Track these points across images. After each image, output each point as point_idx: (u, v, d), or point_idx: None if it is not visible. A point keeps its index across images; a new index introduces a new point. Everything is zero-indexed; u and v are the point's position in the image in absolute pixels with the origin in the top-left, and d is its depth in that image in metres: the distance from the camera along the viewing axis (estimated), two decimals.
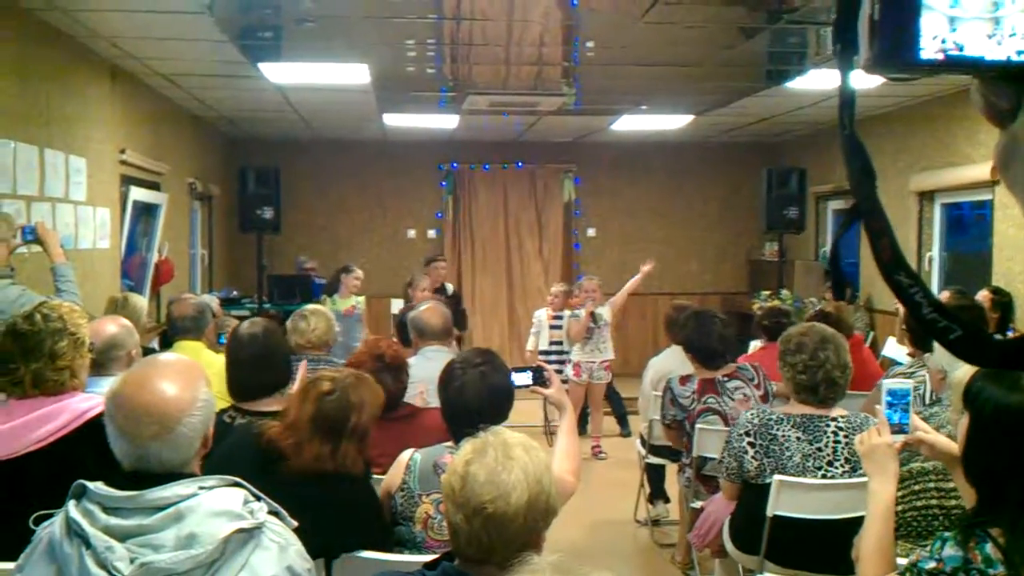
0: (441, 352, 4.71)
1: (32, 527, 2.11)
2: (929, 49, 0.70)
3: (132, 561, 1.88)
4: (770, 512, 3.68)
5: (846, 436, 3.65)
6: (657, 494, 6.59)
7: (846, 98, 0.74)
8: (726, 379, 4.84)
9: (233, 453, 2.92)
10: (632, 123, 10.51)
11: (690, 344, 5.02)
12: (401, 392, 3.84)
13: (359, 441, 2.95)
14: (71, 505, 1.98)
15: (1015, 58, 0.70)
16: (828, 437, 3.67)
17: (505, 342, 12.37)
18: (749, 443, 3.72)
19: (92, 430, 2.88)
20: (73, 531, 1.94)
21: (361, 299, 9.05)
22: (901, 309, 5.72)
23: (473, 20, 6.20)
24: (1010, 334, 6.65)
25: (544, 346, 9.02)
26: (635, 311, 12.06)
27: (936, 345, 3.95)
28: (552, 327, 9.02)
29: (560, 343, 8.92)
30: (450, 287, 9.73)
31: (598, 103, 9.49)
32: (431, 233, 12.62)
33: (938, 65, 0.71)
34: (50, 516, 2.04)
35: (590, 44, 6.93)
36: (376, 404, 3.04)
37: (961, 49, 0.70)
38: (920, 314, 0.73)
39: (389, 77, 7.92)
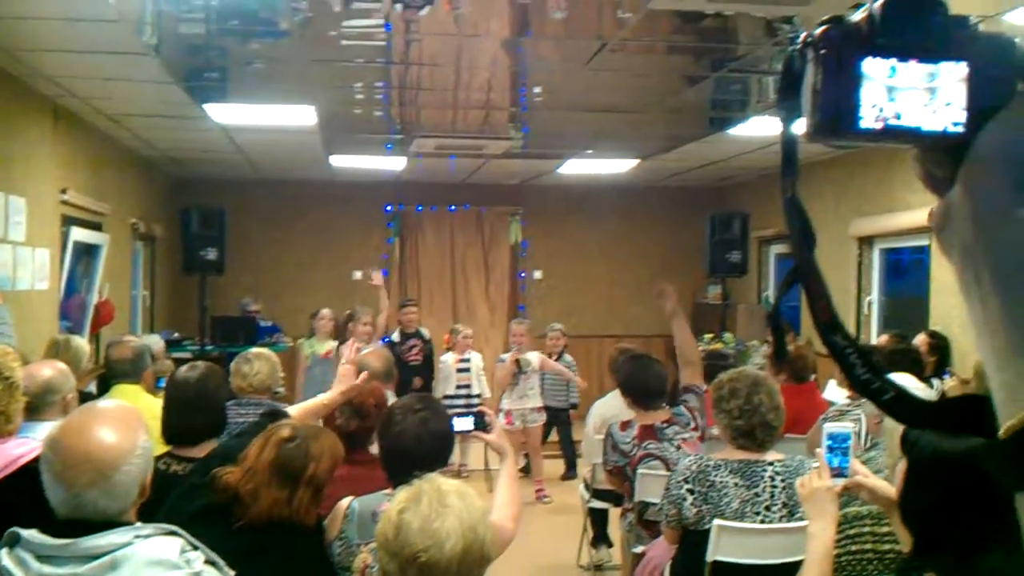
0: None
1: None
2: (869, 118, 0.72)
3: None
4: (710, 557, 3.71)
5: (783, 480, 3.69)
6: (600, 538, 6.58)
7: (789, 163, 0.76)
8: (665, 425, 4.87)
9: (181, 502, 2.88)
10: (579, 167, 10.62)
11: (627, 385, 5.04)
12: (367, 436, 3.83)
13: (315, 492, 2.93)
14: (3, 553, 1.95)
15: (951, 128, 0.73)
16: (765, 482, 3.70)
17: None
18: (688, 490, 3.74)
19: (26, 476, 2.83)
20: None
21: (335, 343, 8.94)
22: None
23: (422, 65, 6.25)
24: (947, 378, 6.78)
25: (450, 391, 8.92)
26: (581, 354, 12.08)
27: None
28: (459, 371, 8.98)
29: (468, 386, 8.88)
30: (426, 331, 9.62)
31: (545, 147, 9.58)
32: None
33: (877, 134, 0.73)
34: None
35: (537, 89, 7.02)
36: (335, 457, 3.02)
37: (899, 118, 0.73)
38: (854, 375, 0.76)
39: (336, 119, 7.94)
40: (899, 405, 0.76)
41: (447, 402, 8.44)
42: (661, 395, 4.95)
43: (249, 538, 2.57)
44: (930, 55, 0.73)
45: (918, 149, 0.78)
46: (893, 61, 0.73)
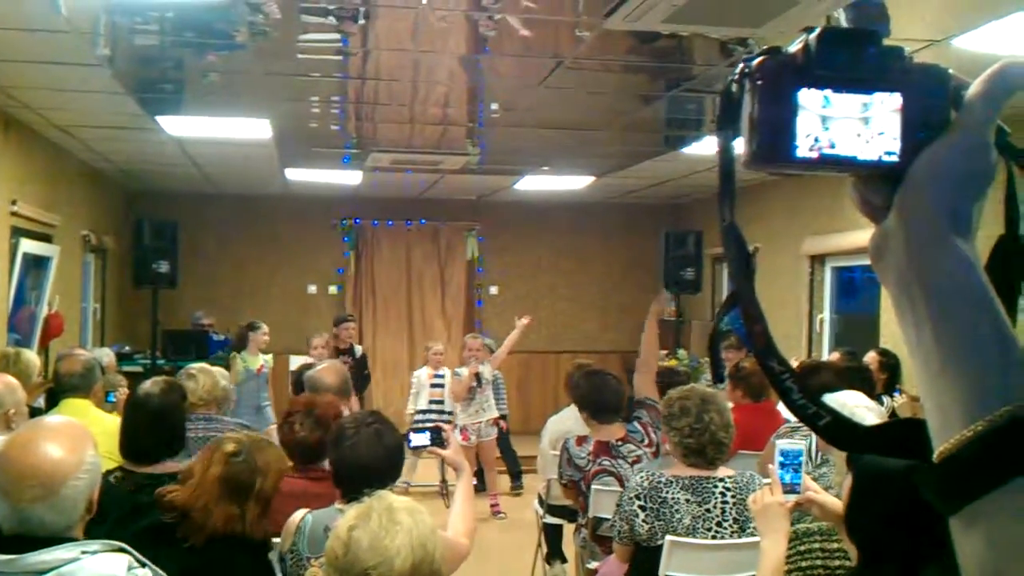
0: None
1: None
2: (804, 147, 0.73)
3: None
4: (662, 573, 3.72)
5: (734, 496, 3.72)
6: (555, 554, 6.59)
7: (726, 190, 0.77)
8: (620, 443, 4.89)
9: (125, 520, 2.85)
10: (535, 183, 10.66)
11: (583, 400, 5.06)
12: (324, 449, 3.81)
13: (264, 506, 2.91)
14: None
15: (885, 158, 0.74)
16: (716, 498, 3.73)
17: (405, 399, 12.26)
18: (640, 506, 3.76)
19: None
20: None
21: (269, 357, 8.90)
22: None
23: (379, 80, 6.25)
24: (897, 395, 6.86)
25: (423, 405, 8.98)
26: (537, 370, 12.15)
27: None
28: (433, 386, 9.00)
29: (441, 402, 8.92)
30: (359, 349, 9.65)
31: (502, 163, 9.61)
32: (332, 289, 12.53)
33: (813, 163, 0.74)
34: None
35: (494, 106, 7.04)
36: (280, 471, 3.00)
37: (834, 147, 0.74)
38: (790, 399, 0.77)
39: (292, 133, 7.91)
40: (836, 430, 0.77)
41: (420, 417, 8.45)
42: (617, 411, 4.98)
43: (200, 556, 2.55)
44: (864, 86, 0.74)
45: (855, 178, 0.79)
46: (828, 91, 0.74)
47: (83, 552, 1.95)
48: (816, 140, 0.73)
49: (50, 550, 1.92)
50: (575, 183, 10.65)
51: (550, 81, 5.92)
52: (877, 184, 0.77)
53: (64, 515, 1.99)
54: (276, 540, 3.10)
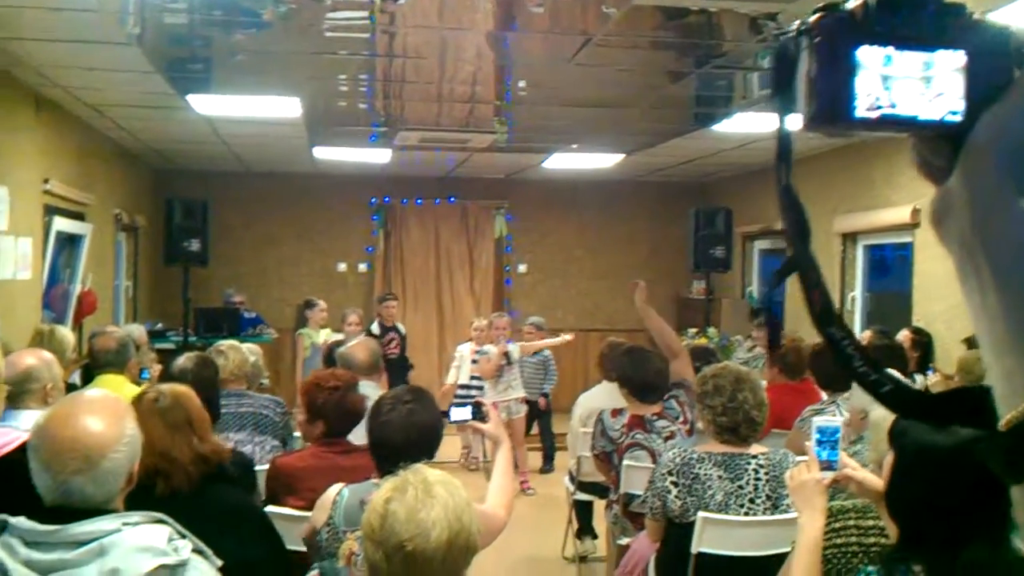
0: (367, 387, 4.70)
1: None
2: (864, 108, 0.72)
3: None
4: (694, 549, 3.72)
5: (767, 474, 3.71)
6: (585, 530, 6.60)
7: (783, 152, 0.75)
8: (655, 418, 4.89)
9: None
10: (564, 161, 10.62)
11: (627, 379, 5.05)
12: (342, 423, 3.84)
13: (205, 428, 3.04)
14: None
15: (948, 118, 0.72)
16: (749, 475, 3.72)
17: (435, 378, 12.31)
18: (672, 482, 3.76)
19: (6, 466, 2.82)
20: None
21: (328, 331, 9.02)
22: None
23: (406, 58, 6.24)
24: (930, 374, 6.82)
25: (464, 380, 9.03)
26: (564, 348, 12.11)
27: (855, 385, 4.03)
28: (474, 361, 9.04)
29: (480, 378, 8.95)
30: (402, 328, 9.69)
31: (530, 141, 9.59)
32: (361, 267, 12.57)
33: (873, 124, 0.72)
34: None
35: (522, 83, 7.02)
36: (191, 395, 3.07)
37: (895, 108, 0.72)
38: (851, 367, 0.75)
39: (320, 111, 7.92)
40: (897, 397, 0.75)
41: (461, 392, 8.48)
42: (659, 390, 4.97)
43: (182, 503, 2.60)
44: (925, 43, 0.73)
45: (915, 138, 0.77)
46: (889, 50, 0.72)
47: (124, 524, 1.97)
48: (876, 100, 0.72)
49: (91, 521, 1.94)
50: (604, 161, 10.60)
51: (579, 58, 5.88)
52: (938, 145, 0.75)
53: (105, 487, 2.01)
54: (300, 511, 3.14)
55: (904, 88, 0.72)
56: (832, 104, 0.72)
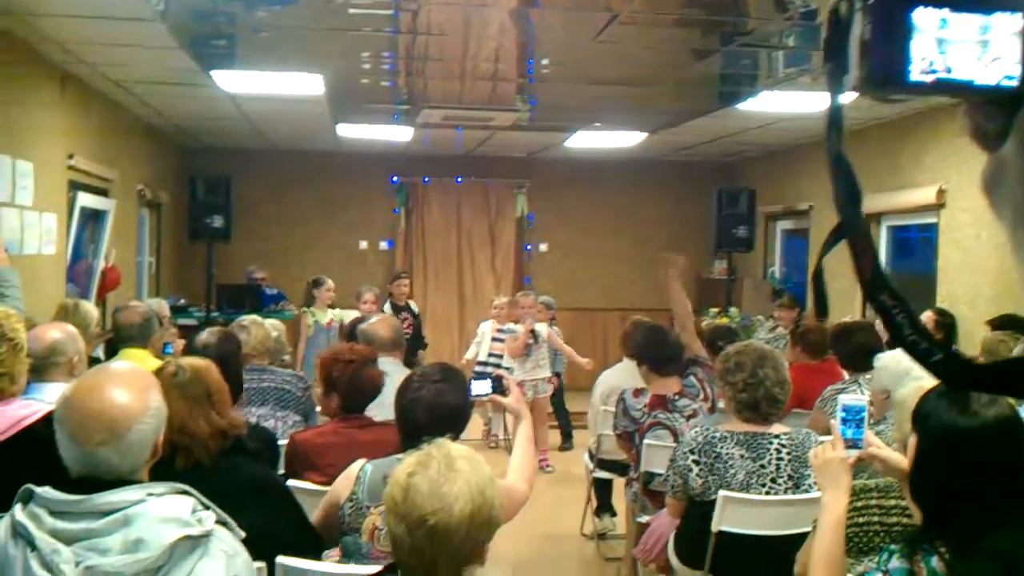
0: (388, 363, 4.70)
1: None
2: (919, 71, 0.70)
3: (78, 564, 1.87)
4: (715, 528, 3.73)
5: (789, 453, 3.70)
6: (604, 508, 6.61)
7: (834, 118, 0.74)
8: (676, 397, 4.89)
9: None
10: (586, 140, 10.58)
11: (643, 352, 5.05)
12: (356, 397, 3.86)
13: (224, 400, 3.03)
14: (17, 509, 1.97)
15: (1004, 83, 0.71)
16: (771, 454, 3.72)
17: (456, 356, 12.34)
18: (694, 460, 3.76)
19: (29, 438, 2.85)
20: (19, 534, 1.93)
21: (338, 312, 8.98)
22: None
23: (429, 35, 6.22)
24: None
25: (483, 357, 9.03)
26: (585, 327, 12.11)
27: (877, 364, 4.02)
28: (495, 339, 9.03)
29: (500, 356, 8.94)
30: (415, 306, 9.71)
31: (552, 119, 9.55)
32: (383, 245, 12.59)
33: (928, 87, 0.71)
34: None
35: (545, 61, 6.99)
36: (211, 368, 3.06)
37: (951, 72, 0.70)
38: (902, 335, 0.74)
39: (343, 89, 7.92)
40: (948, 367, 0.74)
41: (479, 368, 8.50)
42: (676, 361, 4.97)
43: (204, 476, 2.61)
44: (983, 6, 0.71)
45: (968, 103, 0.75)
46: (945, 12, 0.70)
47: (149, 494, 1.98)
48: (931, 64, 0.70)
49: (117, 491, 1.96)
50: (626, 140, 10.55)
51: (603, 36, 5.85)
52: (993, 110, 0.73)
53: (130, 458, 2.03)
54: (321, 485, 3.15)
55: (960, 52, 0.71)
56: (886, 67, 0.70)
